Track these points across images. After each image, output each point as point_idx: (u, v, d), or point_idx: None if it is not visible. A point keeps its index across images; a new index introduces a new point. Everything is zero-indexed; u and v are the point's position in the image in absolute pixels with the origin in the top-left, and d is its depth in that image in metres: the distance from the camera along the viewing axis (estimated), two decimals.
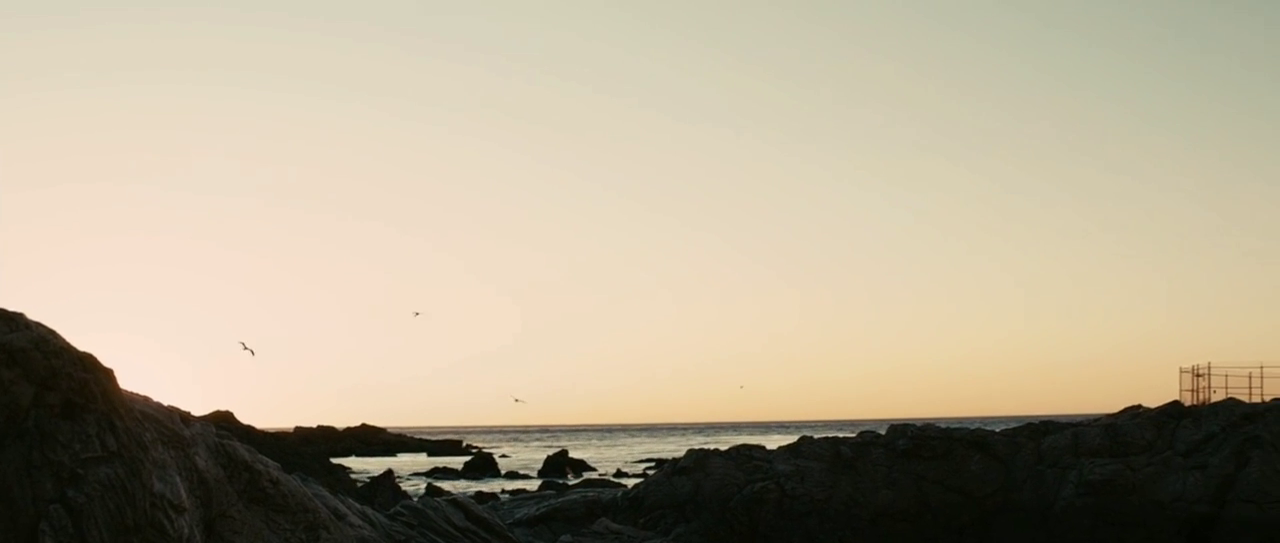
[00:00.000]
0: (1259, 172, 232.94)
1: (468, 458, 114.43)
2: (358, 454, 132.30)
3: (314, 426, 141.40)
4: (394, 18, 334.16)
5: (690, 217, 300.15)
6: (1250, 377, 48.21)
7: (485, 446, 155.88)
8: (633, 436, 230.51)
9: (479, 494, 61.67)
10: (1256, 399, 46.78)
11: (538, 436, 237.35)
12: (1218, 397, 47.42)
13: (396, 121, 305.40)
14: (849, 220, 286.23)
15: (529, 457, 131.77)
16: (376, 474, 63.28)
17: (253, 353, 44.36)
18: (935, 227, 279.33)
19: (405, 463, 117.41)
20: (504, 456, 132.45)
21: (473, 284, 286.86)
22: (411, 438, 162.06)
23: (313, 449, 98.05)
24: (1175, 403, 46.98)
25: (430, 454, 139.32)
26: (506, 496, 62.05)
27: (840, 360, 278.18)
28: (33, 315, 20.32)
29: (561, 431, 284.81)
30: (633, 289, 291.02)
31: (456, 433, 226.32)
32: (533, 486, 79.69)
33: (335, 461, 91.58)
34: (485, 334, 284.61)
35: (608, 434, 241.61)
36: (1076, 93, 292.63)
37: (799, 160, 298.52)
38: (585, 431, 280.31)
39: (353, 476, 79.11)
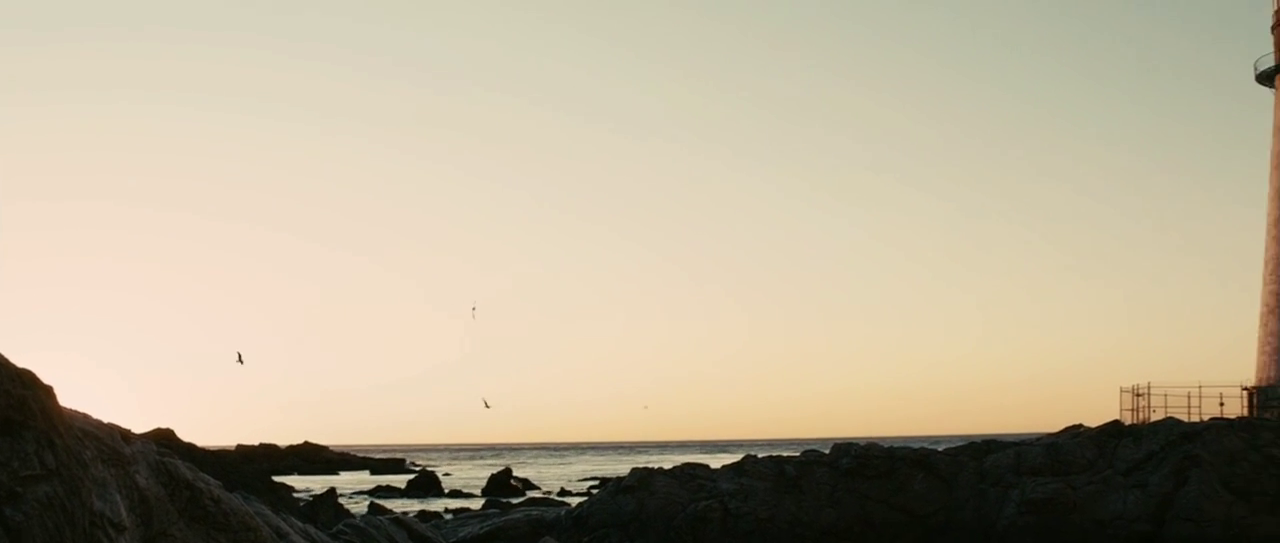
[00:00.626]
0: (1200, 193, 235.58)
1: (411, 476, 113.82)
2: (300, 472, 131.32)
3: (256, 443, 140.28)
4: (335, 34, 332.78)
5: (639, 235, 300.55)
6: (1189, 396, 48.77)
7: (428, 464, 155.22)
8: (578, 454, 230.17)
9: (422, 513, 61.38)
10: (1195, 418, 47.32)
11: (481, 454, 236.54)
12: (1157, 416, 47.93)
13: (338, 138, 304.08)
14: (795, 240, 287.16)
15: (472, 475, 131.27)
16: (319, 493, 62.88)
17: (242, 361, 44.38)
18: (880, 247, 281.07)
19: (348, 481, 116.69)
20: (447, 474, 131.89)
21: (415, 301, 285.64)
22: (354, 456, 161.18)
23: (254, 467, 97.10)
24: (1115, 422, 47.42)
25: (373, 473, 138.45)
26: (450, 515, 61.82)
27: (786, 380, 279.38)
28: None
29: (505, 449, 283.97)
30: (579, 308, 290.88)
31: (400, 451, 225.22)
32: (476, 504, 79.32)
33: (277, 479, 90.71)
34: (428, 352, 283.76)
35: (552, 453, 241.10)
36: (1020, 114, 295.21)
37: (749, 178, 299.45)
38: (529, 449, 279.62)
39: (295, 494, 78.42)
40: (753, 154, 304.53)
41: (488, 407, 53.67)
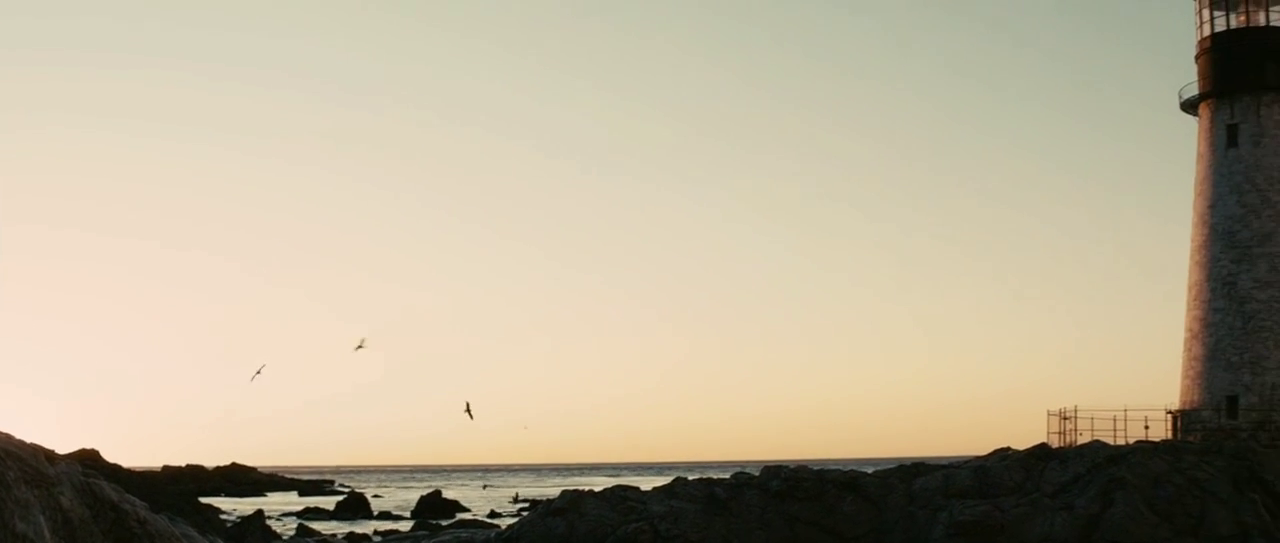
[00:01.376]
0: (1127, 219, 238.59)
1: (340, 498, 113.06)
2: (227, 494, 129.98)
3: (182, 464, 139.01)
4: (253, 52, 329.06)
5: (570, 255, 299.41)
6: (1115, 419, 49.23)
7: (358, 486, 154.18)
8: (510, 476, 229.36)
9: (351, 535, 60.97)
10: (1120, 441, 47.80)
11: (412, 475, 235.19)
12: (1084, 439, 48.38)
13: (260, 157, 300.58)
14: (726, 262, 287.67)
15: (402, 497, 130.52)
16: (246, 514, 62.34)
17: (259, 372, 44.17)
18: (811, 270, 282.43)
19: (276, 503, 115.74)
20: (376, 496, 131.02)
21: (333, 322, 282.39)
22: (282, 477, 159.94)
23: (181, 489, 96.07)
24: (1043, 445, 47.83)
25: (301, 494, 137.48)
26: (379, 537, 61.46)
27: (716, 402, 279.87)
28: None
29: (435, 471, 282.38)
30: (509, 328, 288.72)
31: (328, 473, 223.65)
32: (406, 527, 78.89)
33: (204, 500, 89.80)
34: (347, 373, 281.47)
35: (483, 475, 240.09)
36: (951, 140, 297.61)
37: (684, 199, 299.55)
38: (460, 470, 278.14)
39: (222, 516, 77.64)
40: (688, 175, 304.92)
41: (470, 415, 52.00)
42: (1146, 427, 49.05)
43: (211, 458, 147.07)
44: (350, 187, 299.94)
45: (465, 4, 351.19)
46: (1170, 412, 50.53)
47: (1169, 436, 49.47)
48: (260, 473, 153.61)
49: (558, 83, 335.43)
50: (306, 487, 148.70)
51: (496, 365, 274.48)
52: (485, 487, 78.63)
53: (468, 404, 51.85)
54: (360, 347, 46.86)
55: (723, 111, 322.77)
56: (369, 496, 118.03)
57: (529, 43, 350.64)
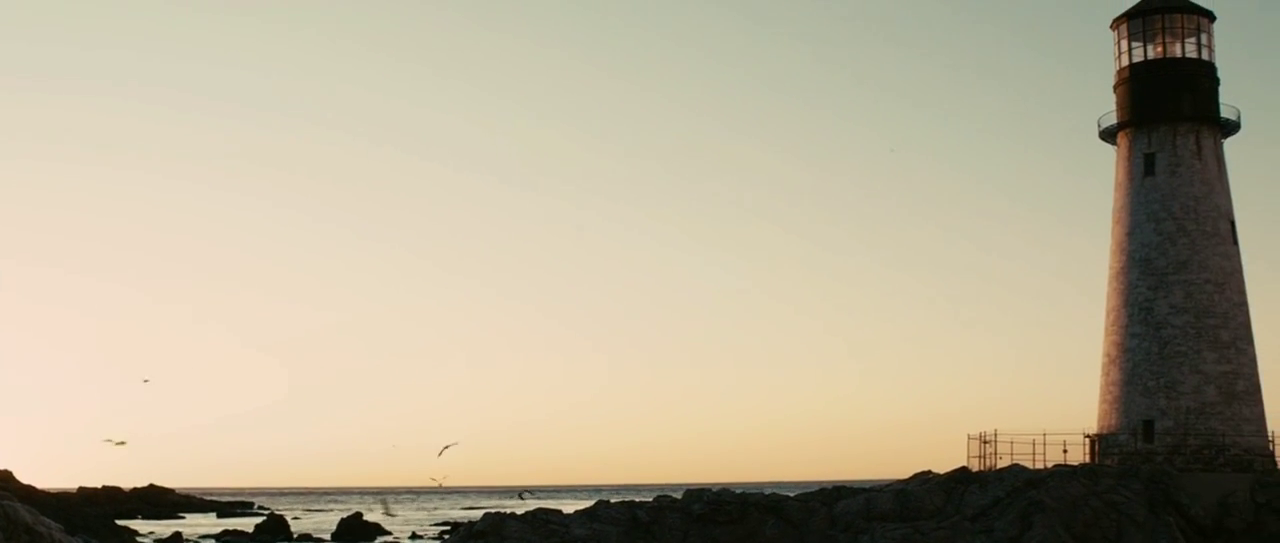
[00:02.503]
0: (1046, 246, 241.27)
1: (259, 520, 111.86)
2: (144, 516, 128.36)
3: (98, 486, 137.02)
4: (149, 71, 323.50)
5: (490, 277, 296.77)
6: (1034, 443, 49.66)
7: (278, 508, 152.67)
8: (434, 498, 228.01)
9: None
10: (1040, 465, 48.25)
11: (333, 497, 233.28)
12: (1003, 463, 48.76)
13: (158, 178, 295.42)
14: (649, 284, 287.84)
15: (322, 519, 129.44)
16: (164, 537, 61.60)
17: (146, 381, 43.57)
18: (735, 294, 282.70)
19: (194, 525, 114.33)
20: (296, 518, 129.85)
21: (233, 342, 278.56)
22: (200, 499, 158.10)
23: (97, 511, 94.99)
24: (963, 469, 48.20)
25: (220, 516, 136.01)
26: None
27: (639, 424, 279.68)
28: None
29: (355, 493, 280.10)
30: (420, 348, 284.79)
31: (248, 495, 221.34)
32: None
33: (121, 522, 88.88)
34: (246, 393, 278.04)
35: (404, 497, 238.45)
36: (873, 165, 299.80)
37: (608, 222, 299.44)
38: (382, 493, 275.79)
39: (139, 538, 76.92)
40: (613, 194, 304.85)
41: (443, 452, 51.09)
42: (1065, 451, 49.56)
43: (128, 479, 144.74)
44: (259, 206, 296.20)
45: (373, 19, 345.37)
46: (1088, 436, 51.09)
47: (1087, 460, 50.02)
48: (177, 495, 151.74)
49: (477, 100, 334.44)
50: (225, 509, 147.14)
51: (411, 385, 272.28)
52: (388, 513, 78.11)
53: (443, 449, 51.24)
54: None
55: (648, 131, 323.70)
56: (289, 518, 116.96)
57: (447, 59, 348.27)
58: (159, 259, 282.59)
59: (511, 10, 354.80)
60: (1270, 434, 49.86)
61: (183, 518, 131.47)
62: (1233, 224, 51.40)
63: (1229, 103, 52.16)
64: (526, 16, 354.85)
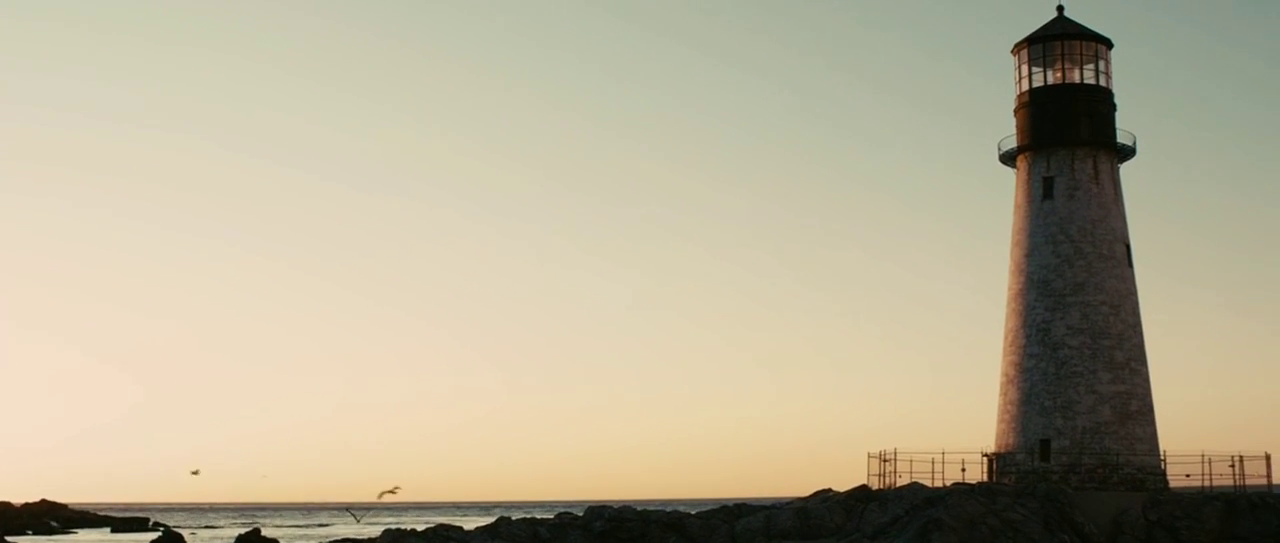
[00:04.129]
0: (945, 267, 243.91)
1: (154, 536, 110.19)
2: (36, 532, 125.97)
3: None
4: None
5: (382, 293, 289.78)
6: (933, 462, 50.07)
7: (175, 523, 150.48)
8: (333, 514, 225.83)
9: None
10: (938, 483, 48.70)
11: (230, 514, 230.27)
12: (903, 481, 49.15)
13: (10, 191, 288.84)
14: (548, 300, 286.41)
15: (218, 535, 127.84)
16: None
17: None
18: (634, 310, 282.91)
19: (87, 541, 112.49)
20: (193, 533, 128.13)
21: (79, 355, 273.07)
22: (94, 514, 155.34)
23: None
24: (863, 487, 48.55)
25: (114, 531, 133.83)
26: None
27: (540, 440, 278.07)
28: None
29: (257, 509, 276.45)
30: (294, 362, 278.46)
31: (144, 510, 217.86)
32: None
33: (10, 539, 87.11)
34: (97, 405, 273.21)
35: (303, 513, 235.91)
36: (771, 178, 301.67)
37: (504, 237, 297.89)
38: (286, 509, 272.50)
39: None
40: (509, 209, 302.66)
41: (195, 473, 49.87)
42: (964, 469, 50.03)
43: (19, 495, 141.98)
44: (112, 219, 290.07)
45: (225, 19, 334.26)
46: (986, 455, 51.63)
47: (985, 478, 50.55)
48: (71, 510, 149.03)
49: (389, 117, 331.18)
50: (120, 524, 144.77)
51: (287, 399, 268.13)
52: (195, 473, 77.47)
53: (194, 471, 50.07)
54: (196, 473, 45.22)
55: (546, 144, 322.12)
56: (186, 534, 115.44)
57: (313, 63, 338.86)
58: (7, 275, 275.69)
59: (396, 13, 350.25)
60: (1162, 453, 50.70)
61: (75, 534, 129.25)
62: (1128, 247, 52.26)
63: (1125, 128, 53.14)
64: (411, 19, 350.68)
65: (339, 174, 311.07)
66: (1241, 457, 49.85)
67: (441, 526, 47.37)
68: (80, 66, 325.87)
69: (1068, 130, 52.25)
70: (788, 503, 47.91)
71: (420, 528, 47.31)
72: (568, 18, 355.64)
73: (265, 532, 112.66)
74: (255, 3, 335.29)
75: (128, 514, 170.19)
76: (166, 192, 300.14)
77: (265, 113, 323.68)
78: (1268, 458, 50.46)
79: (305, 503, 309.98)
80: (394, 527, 48.04)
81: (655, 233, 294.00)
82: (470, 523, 51.98)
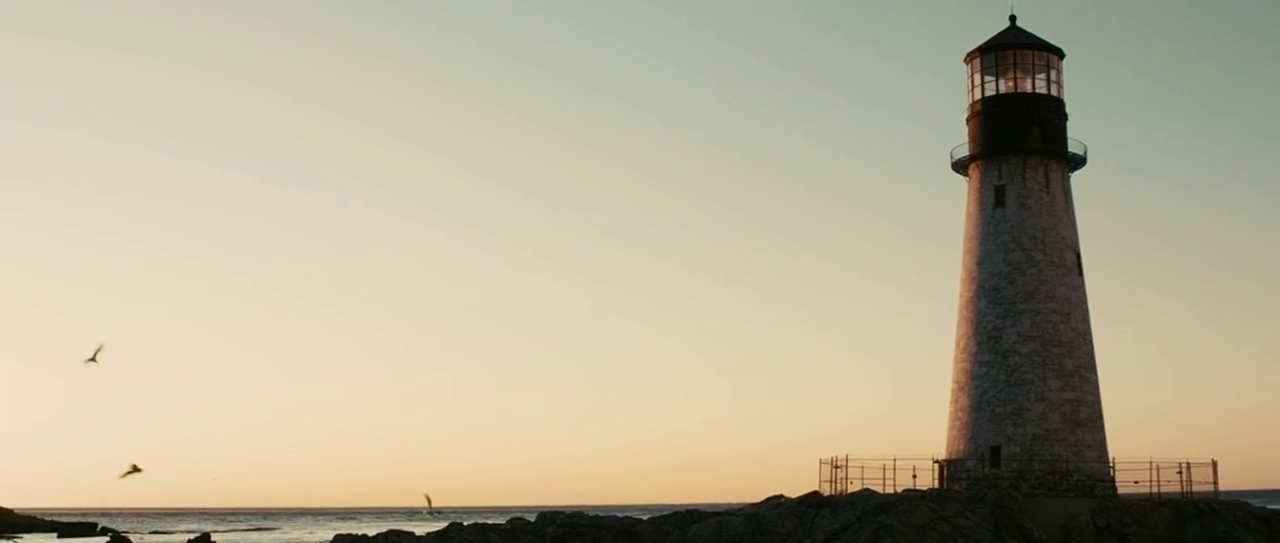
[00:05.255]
0: (898, 274, 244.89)
1: (103, 540, 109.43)
2: None
3: None
4: None
5: (325, 298, 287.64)
6: (884, 468, 50.26)
7: (125, 529, 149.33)
8: (287, 519, 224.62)
9: None
10: (890, 490, 48.91)
11: (182, 519, 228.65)
12: (854, 487, 49.36)
13: None
14: (500, 304, 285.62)
15: (169, 541, 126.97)
16: None
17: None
18: (589, 315, 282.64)
19: None
20: (142, 538, 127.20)
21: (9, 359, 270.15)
22: (41, 519, 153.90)
23: None
24: (815, 493, 48.71)
25: (61, 536, 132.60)
26: None
27: (492, 446, 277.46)
28: None
29: (209, 514, 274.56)
30: (233, 367, 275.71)
31: (92, 515, 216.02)
32: None
33: None
34: (24, 409, 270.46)
35: (254, 518, 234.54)
36: (726, 183, 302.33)
37: (456, 241, 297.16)
38: (236, 514, 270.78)
39: None
40: (462, 215, 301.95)
41: (137, 470, 49.05)
42: (914, 476, 50.22)
43: None
44: (47, 225, 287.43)
45: (169, 24, 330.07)
46: (937, 461, 51.87)
47: (936, 485, 50.78)
48: (16, 515, 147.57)
49: (309, 112, 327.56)
50: (67, 529, 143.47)
51: (227, 403, 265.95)
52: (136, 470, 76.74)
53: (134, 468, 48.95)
54: (93, 359, 43.92)
55: (500, 148, 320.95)
56: (135, 539, 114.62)
57: (274, 70, 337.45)
58: None
59: (343, 16, 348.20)
60: (1111, 460, 51.08)
61: (20, 539, 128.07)
62: (1078, 256, 52.65)
63: (1076, 137, 53.55)
64: (359, 22, 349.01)
65: (283, 177, 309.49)
66: (1189, 464, 50.29)
67: (393, 531, 47.24)
68: (29, 71, 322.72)
69: (1019, 139, 52.60)
70: (739, 509, 48.01)
71: (372, 533, 47.12)
72: (526, 23, 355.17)
73: (218, 538, 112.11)
74: (195, 4, 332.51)
75: (75, 519, 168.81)
76: (106, 198, 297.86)
77: (201, 115, 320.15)
78: (1214, 465, 50.92)
79: (260, 508, 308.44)
80: (344, 533, 47.84)
81: (610, 239, 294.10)
82: (422, 529, 51.82)
